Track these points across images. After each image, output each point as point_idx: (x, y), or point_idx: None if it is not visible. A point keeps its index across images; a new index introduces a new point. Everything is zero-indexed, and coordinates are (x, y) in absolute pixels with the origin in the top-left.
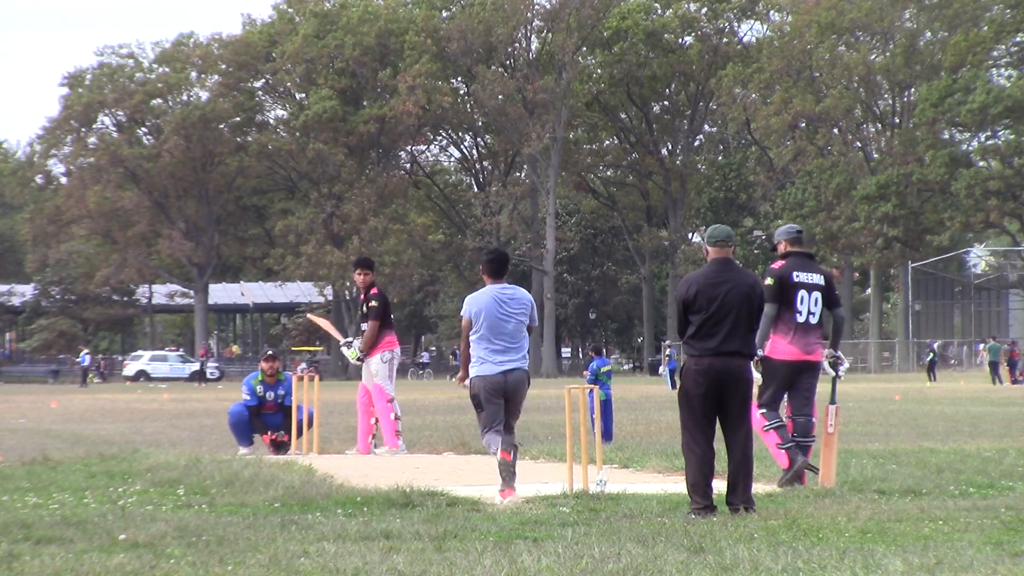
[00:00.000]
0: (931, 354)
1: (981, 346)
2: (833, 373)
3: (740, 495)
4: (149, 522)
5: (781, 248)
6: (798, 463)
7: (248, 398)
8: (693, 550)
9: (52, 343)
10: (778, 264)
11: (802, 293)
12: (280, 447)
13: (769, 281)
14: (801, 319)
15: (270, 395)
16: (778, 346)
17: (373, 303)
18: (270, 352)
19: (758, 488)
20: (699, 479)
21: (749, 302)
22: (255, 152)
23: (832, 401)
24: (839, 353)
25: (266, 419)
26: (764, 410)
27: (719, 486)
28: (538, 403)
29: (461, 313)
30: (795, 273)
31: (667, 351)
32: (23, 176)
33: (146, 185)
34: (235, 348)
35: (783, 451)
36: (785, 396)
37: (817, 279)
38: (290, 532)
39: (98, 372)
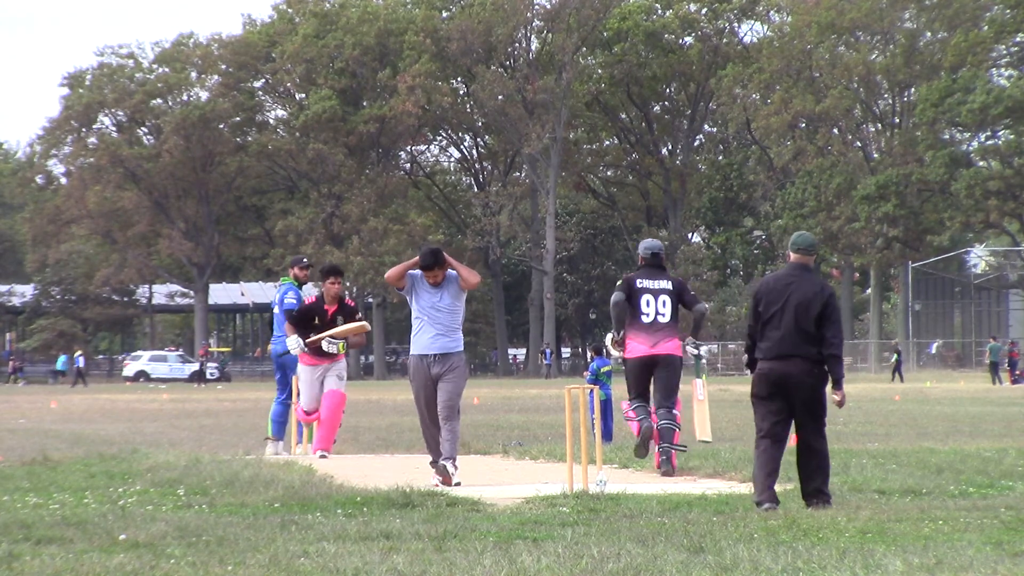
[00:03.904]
0: (895, 355)
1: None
2: (695, 352)
3: (814, 491)
4: (149, 522)
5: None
6: (662, 471)
7: (294, 301)
8: (693, 550)
9: (52, 343)
10: (629, 275)
11: (647, 297)
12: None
13: (619, 282)
14: (648, 320)
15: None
16: (630, 345)
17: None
18: (304, 260)
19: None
20: (759, 476)
21: (810, 306)
22: (255, 152)
23: (698, 376)
24: (696, 343)
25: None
26: (631, 402)
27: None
28: (538, 403)
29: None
30: (639, 280)
31: None
32: (23, 176)
33: (146, 185)
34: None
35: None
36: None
37: (664, 284)
38: (290, 532)
39: (17, 371)
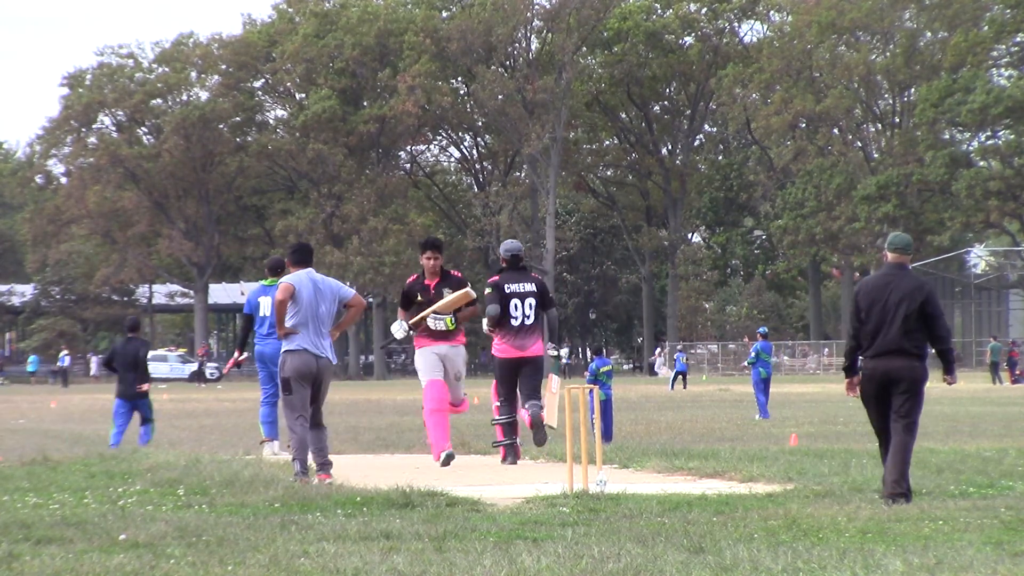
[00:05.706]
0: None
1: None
2: (554, 354)
3: (895, 485)
4: (149, 522)
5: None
6: (507, 461)
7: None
8: (693, 550)
9: (52, 343)
10: (495, 277)
11: (515, 301)
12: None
13: (488, 289)
14: (516, 323)
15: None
16: (498, 346)
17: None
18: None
19: (759, 488)
20: (888, 476)
21: (909, 303)
22: (255, 152)
23: (556, 373)
24: (555, 346)
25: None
26: (498, 403)
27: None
28: None
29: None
30: (508, 285)
31: (675, 354)
32: (23, 176)
33: (146, 185)
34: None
35: (500, 447)
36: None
37: (529, 287)
38: (290, 532)
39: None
